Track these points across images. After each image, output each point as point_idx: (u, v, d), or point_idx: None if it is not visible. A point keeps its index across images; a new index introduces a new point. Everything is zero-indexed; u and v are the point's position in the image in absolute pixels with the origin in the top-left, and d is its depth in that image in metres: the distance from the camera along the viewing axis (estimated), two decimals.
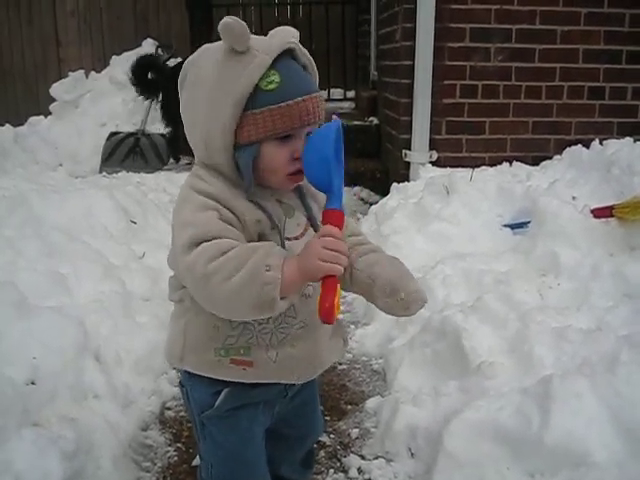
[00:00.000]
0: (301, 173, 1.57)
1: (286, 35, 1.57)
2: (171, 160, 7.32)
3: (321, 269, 1.43)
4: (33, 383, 2.60)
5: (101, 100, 8.12)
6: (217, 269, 1.41)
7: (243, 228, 1.53)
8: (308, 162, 1.53)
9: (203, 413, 1.72)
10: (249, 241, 1.52)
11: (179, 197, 1.59)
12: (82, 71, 8.37)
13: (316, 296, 1.48)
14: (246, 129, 1.51)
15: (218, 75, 1.51)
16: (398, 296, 1.60)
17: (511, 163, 5.20)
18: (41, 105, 8.38)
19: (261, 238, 1.56)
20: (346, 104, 8.80)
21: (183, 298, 1.67)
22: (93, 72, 8.45)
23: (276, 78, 1.50)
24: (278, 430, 1.84)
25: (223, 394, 1.68)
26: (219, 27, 1.49)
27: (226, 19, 1.48)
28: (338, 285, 1.45)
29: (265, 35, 1.58)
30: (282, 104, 1.50)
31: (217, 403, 1.69)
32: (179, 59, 7.42)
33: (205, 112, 1.53)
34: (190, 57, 1.61)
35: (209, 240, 1.45)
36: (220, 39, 1.53)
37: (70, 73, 8.34)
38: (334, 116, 1.60)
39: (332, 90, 8.92)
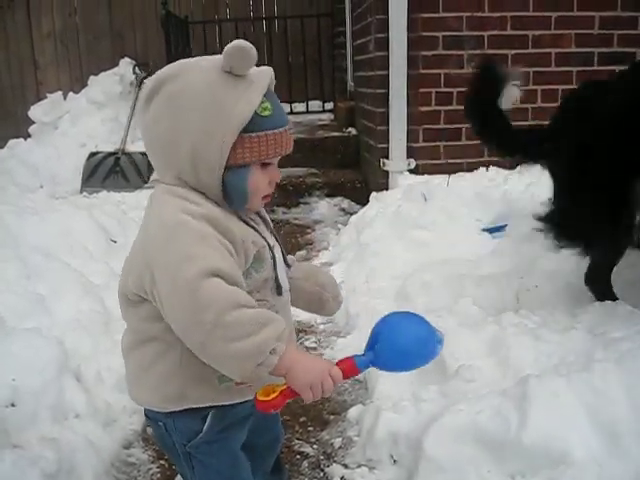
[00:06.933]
0: (269, 197, 1.65)
1: (267, 68, 1.61)
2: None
3: (302, 390, 1.48)
4: (13, 405, 2.59)
5: (80, 121, 8.10)
6: (230, 325, 1.40)
7: (237, 252, 1.53)
8: (396, 345, 1.56)
9: (190, 442, 1.67)
10: (244, 263, 1.56)
11: (166, 222, 1.50)
12: (60, 92, 8.36)
13: (287, 297, 1.72)
14: (240, 151, 1.52)
15: (214, 95, 1.51)
16: (340, 297, 1.92)
17: (487, 168, 5.23)
18: (20, 128, 8.36)
19: (257, 258, 1.59)
20: (324, 116, 8.80)
21: (164, 332, 1.55)
22: (71, 93, 8.44)
23: (269, 105, 1.56)
24: (249, 442, 1.82)
25: (210, 417, 1.65)
26: (232, 48, 1.50)
27: (242, 42, 1.50)
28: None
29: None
30: (275, 131, 1.56)
31: (205, 428, 1.65)
32: None
33: (197, 130, 1.51)
34: (163, 72, 1.57)
35: (222, 277, 1.43)
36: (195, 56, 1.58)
37: (48, 95, 8.33)
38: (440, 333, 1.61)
39: (310, 102, 8.94)
